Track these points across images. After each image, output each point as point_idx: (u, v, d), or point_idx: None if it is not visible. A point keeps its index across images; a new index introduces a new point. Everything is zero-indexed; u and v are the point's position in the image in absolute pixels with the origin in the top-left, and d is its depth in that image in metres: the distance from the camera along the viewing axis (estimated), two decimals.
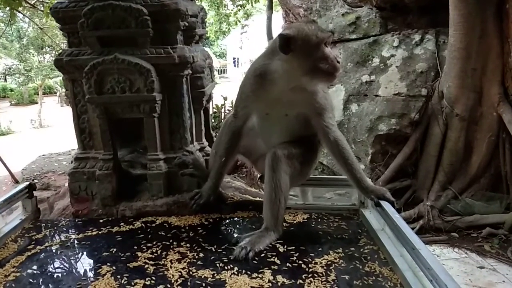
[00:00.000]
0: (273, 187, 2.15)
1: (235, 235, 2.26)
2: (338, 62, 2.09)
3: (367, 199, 2.37)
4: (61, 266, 2.03)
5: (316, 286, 1.76)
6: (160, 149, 2.64)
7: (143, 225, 2.42)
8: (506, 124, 5.20)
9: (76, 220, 2.58)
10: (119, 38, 2.52)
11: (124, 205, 2.59)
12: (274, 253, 2.04)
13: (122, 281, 1.82)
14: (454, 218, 5.37)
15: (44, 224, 2.49)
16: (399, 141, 5.96)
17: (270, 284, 1.78)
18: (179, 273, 1.87)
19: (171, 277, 1.85)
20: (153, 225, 2.42)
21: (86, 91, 2.52)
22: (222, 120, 7.32)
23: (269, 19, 10.09)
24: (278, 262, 1.96)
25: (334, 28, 6.51)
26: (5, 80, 30.28)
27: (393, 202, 2.20)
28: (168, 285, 1.79)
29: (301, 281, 1.80)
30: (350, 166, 2.22)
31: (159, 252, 2.08)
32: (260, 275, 1.84)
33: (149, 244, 2.16)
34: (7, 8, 7.35)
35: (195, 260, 1.99)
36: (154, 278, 1.84)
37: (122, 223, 2.43)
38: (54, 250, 2.18)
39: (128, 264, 1.97)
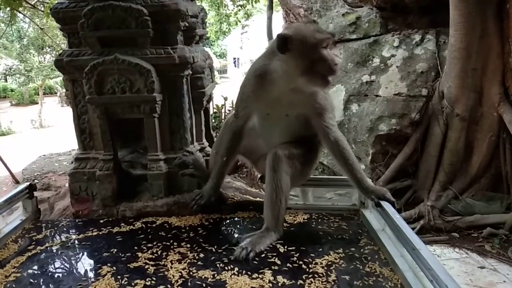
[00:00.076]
0: (274, 187, 2.15)
1: (236, 235, 2.26)
2: (336, 65, 2.06)
3: (368, 200, 2.38)
4: (62, 266, 2.03)
5: (317, 287, 1.76)
6: (161, 149, 2.64)
7: (144, 225, 2.42)
8: (506, 124, 5.19)
9: (77, 221, 2.58)
10: (119, 38, 2.52)
11: (124, 205, 2.59)
12: (275, 254, 2.04)
13: (123, 282, 1.83)
14: (455, 218, 5.36)
15: (44, 225, 2.49)
16: (399, 141, 5.96)
17: (271, 285, 1.78)
18: (180, 274, 1.87)
19: (172, 277, 1.85)
20: (154, 225, 2.42)
21: (86, 92, 2.52)
22: (223, 120, 7.30)
23: (270, 19, 10.08)
24: (279, 262, 1.96)
25: (334, 28, 6.52)
26: (6, 81, 30.31)
27: (394, 202, 2.20)
28: (169, 286, 1.79)
29: (301, 281, 1.80)
30: (351, 167, 2.22)
31: (159, 252, 2.08)
32: (260, 276, 1.84)
33: (149, 245, 2.16)
34: (8, 9, 7.35)
35: (195, 261, 1.99)
36: (154, 278, 1.85)
37: (123, 224, 2.43)
38: (54, 251, 2.18)
39: (128, 265, 1.97)
